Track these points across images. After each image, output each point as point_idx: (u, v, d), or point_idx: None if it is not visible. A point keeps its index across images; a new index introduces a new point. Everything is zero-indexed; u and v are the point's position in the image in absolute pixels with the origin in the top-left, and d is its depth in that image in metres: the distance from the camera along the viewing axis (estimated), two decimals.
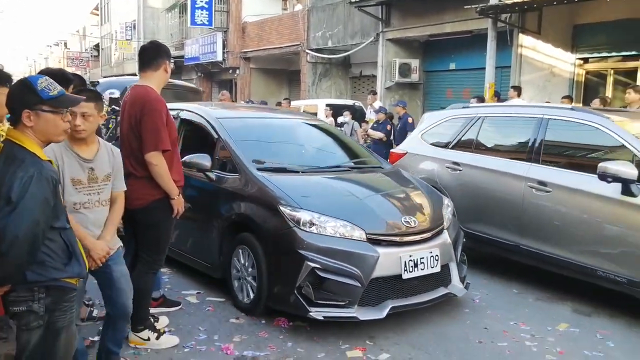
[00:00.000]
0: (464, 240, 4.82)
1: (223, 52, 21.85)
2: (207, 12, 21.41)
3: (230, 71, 21.88)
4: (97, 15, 45.37)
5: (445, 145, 6.00)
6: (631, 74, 9.70)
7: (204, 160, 4.59)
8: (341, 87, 17.95)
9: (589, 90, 10.34)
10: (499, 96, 10.54)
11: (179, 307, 4.49)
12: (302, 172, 4.66)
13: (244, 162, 4.54)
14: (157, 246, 3.79)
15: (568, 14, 9.98)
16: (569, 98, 9.56)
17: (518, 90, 9.87)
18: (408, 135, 7.70)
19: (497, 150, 5.68)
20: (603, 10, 9.10)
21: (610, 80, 10.03)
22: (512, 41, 11.02)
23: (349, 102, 14.02)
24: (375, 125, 10.96)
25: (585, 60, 10.37)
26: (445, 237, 4.38)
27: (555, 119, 5.13)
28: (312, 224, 3.96)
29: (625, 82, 9.72)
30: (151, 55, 3.75)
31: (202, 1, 21.26)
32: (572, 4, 9.17)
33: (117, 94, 7.18)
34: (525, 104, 6.96)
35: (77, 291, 2.60)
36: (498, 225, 5.26)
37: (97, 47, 45.52)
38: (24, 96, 2.38)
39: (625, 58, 9.81)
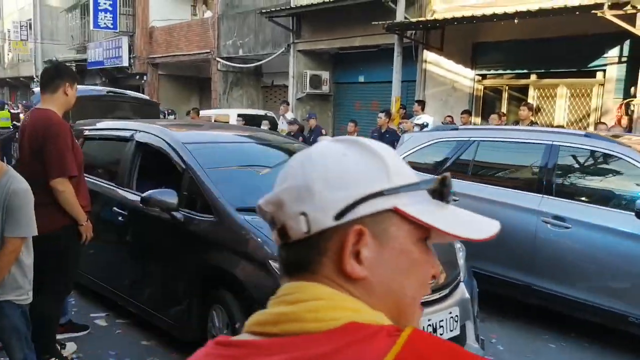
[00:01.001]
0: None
1: (129, 57, 21.12)
2: (112, 15, 20.60)
3: (137, 77, 21.20)
4: None
5: (434, 172, 5.23)
6: (523, 90, 10.46)
7: (169, 197, 3.79)
8: (253, 96, 17.93)
9: (487, 105, 11.03)
10: (405, 109, 10.99)
11: (87, 331, 4.38)
12: None
13: (220, 200, 3.68)
14: (65, 273, 3.67)
15: (468, 33, 10.60)
16: (467, 113, 10.17)
17: (422, 104, 10.35)
18: None
19: (499, 179, 5.24)
20: (498, 31, 9.74)
21: (505, 95, 10.75)
22: (417, 56, 11.54)
23: (261, 112, 14.05)
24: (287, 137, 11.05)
25: (484, 76, 11.04)
26: (463, 291, 3.74)
27: (567, 146, 4.69)
28: None
29: (518, 98, 10.47)
30: (49, 76, 3.63)
31: (105, 3, 20.45)
32: (471, 24, 9.72)
33: None
34: (528, 128, 6.52)
35: None
36: (506, 263, 4.77)
37: None
38: None
39: (518, 75, 10.56)
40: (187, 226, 3.78)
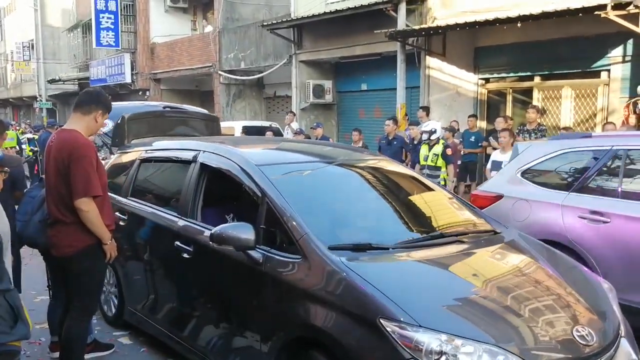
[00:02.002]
0: None
1: (132, 74, 21.29)
2: (114, 33, 20.84)
3: (140, 93, 21.34)
4: None
5: (568, 187, 4.66)
6: (527, 92, 10.49)
7: (244, 232, 3.10)
8: (256, 107, 18.02)
9: (491, 109, 11.05)
10: (407, 116, 11.03)
11: (112, 350, 4.39)
12: (394, 248, 3.10)
13: (311, 238, 2.95)
14: (90, 293, 3.72)
15: (469, 38, 10.66)
16: (474, 117, 10.21)
17: (427, 110, 10.42)
18: None
19: None
20: (500, 35, 9.78)
21: (509, 98, 10.78)
22: (419, 63, 11.59)
23: (266, 123, 14.11)
24: None
25: (487, 80, 11.07)
26: (627, 349, 2.86)
27: None
28: (441, 354, 2.39)
29: (522, 100, 10.51)
30: (87, 98, 3.70)
31: (107, 22, 20.65)
32: (472, 28, 9.78)
33: (110, 125, 5.74)
34: None
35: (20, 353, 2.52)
36: None
37: None
38: None
39: (522, 78, 10.58)
40: (267, 268, 3.06)
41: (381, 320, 2.49)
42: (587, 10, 7.93)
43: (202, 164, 3.91)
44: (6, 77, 38.34)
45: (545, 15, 8.29)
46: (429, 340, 2.41)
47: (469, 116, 10.20)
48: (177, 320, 3.94)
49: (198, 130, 6.06)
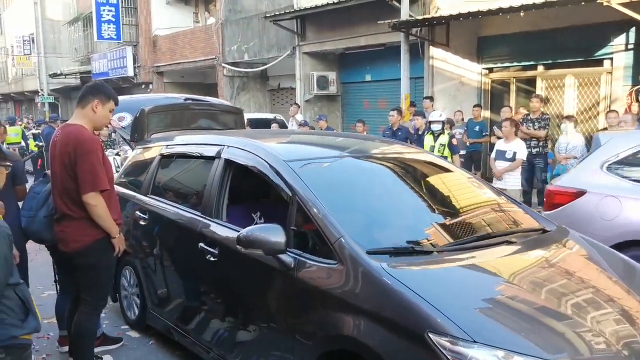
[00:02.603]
0: None
1: (134, 67, 21.27)
2: (115, 26, 20.76)
3: (143, 86, 21.34)
4: None
5: None
6: (531, 82, 10.50)
7: (274, 234, 2.87)
8: (260, 100, 18.02)
9: (495, 98, 11.08)
10: (415, 106, 11.04)
11: (121, 343, 4.44)
12: (439, 251, 2.85)
13: (347, 241, 2.71)
14: (99, 287, 3.74)
15: (473, 27, 10.65)
16: (478, 106, 10.21)
17: (432, 100, 10.41)
18: None
19: None
20: (503, 24, 9.78)
21: (513, 88, 10.79)
22: (423, 53, 11.59)
23: (270, 115, 14.12)
24: None
25: (490, 70, 11.08)
26: None
27: None
28: None
29: (526, 90, 10.51)
30: (83, 92, 3.69)
31: (108, 14, 20.60)
32: (475, 18, 9.76)
33: (128, 119, 5.39)
34: None
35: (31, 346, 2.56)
36: None
37: None
38: None
39: (525, 67, 10.59)
40: (299, 274, 2.83)
41: (429, 334, 2.24)
42: None
43: (226, 160, 3.69)
44: (7, 72, 38.31)
45: (548, 4, 8.29)
46: (484, 357, 2.15)
47: (474, 106, 10.22)
48: (200, 325, 3.75)
49: (221, 124, 5.76)
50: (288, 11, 13.87)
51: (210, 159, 3.87)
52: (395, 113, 9.47)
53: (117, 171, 6.19)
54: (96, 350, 4.01)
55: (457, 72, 11.27)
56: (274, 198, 3.66)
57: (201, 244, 3.54)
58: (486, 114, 10.80)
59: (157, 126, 5.20)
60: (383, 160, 3.80)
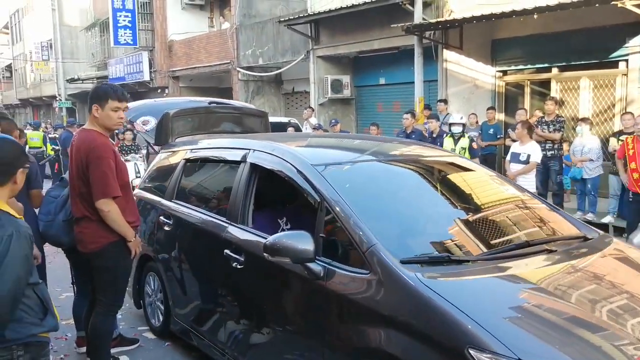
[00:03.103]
0: None
1: (150, 72, 21.49)
2: (131, 31, 21.00)
3: (159, 91, 21.54)
4: (7, 34, 43.36)
5: None
6: (545, 84, 10.46)
7: (302, 242, 2.76)
8: (274, 104, 18.11)
9: (509, 101, 11.04)
10: (430, 109, 11.04)
11: (137, 344, 4.49)
12: (475, 260, 2.71)
13: (380, 249, 2.58)
14: (115, 288, 3.79)
15: (486, 30, 10.63)
16: (493, 109, 10.19)
17: (447, 103, 10.40)
18: None
19: None
20: (517, 26, 9.76)
21: (527, 90, 10.76)
22: (437, 56, 11.60)
23: (285, 119, 14.18)
24: None
25: (504, 72, 11.06)
26: None
27: None
28: None
29: (540, 92, 10.47)
30: (89, 98, 3.73)
31: (124, 20, 20.85)
32: (489, 21, 9.74)
33: (152, 123, 5.29)
34: None
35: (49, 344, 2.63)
36: None
37: (9, 67, 43.48)
38: (20, 157, 2.49)
39: (539, 70, 10.55)
40: (329, 284, 2.71)
41: (470, 350, 2.11)
42: (604, 0, 7.87)
43: (252, 164, 3.59)
44: (26, 77, 38.89)
45: (562, 6, 8.26)
46: None
47: (488, 108, 10.21)
48: (224, 334, 3.64)
49: (246, 127, 5.64)
50: (302, 15, 13.97)
51: (236, 163, 3.79)
52: (409, 116, 9.49)
53: (137, 177, 6.12)
54: (113, 351, 4.06)
55: (470, 75, 11.26)
56: (301, 203, 3.60)
57: (226, 251, 3.46)
58: (500, 116, 10.77)
59: (182, 130, 5.14)
60: (413, 163, 3.66)
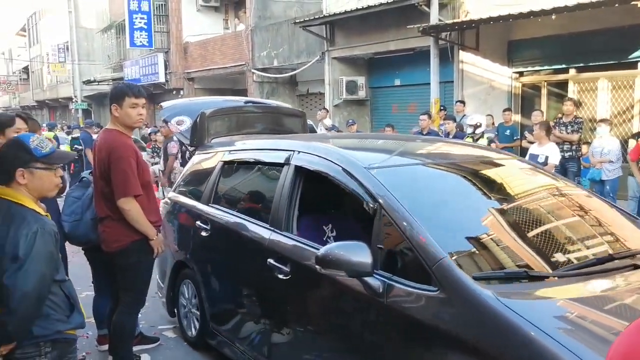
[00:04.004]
0: None
1: (165, 73, 21.64)
2: (147, 33, 21.17)
3: (174, 92, 21.68)
4: (25, 36, 43.91)
5: None
6: (562, 85, 10.38)
7: (359, 254, 2.49)
8: (289, 105, 18.12)
9: (525, 102, 10.98)
10: (445, 111, 11.01)
11: (158, 343, 4.53)
12: (556, 277, 2.45)
13: (449, 264, 2.32)
14: (137, 287, 3.83)
15: (503, 31, 10.58)
16: (509, 110, 10.14)
17: (463, 104, 10.37)
18: None
19: None
20: (534, 27, 9.70)
21: (544, 92, 10.68)
22: (453, 57, 11.57)
23: None
24: None
25: (521, 73, 10.99)
26: None
27: None
28: None
29: (557, 94, 10.39)
30: (109, 100, 3.78)
31: (140, 22, 21.02)
32: (506, 22, 9.69)
33: (187, 123, 5.09)
34: None
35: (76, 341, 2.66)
36: None
37: (25, 69, 44.00)
38: (18, 155, 2.44)
39: (556, 71, 10.48)
40: (390, 301, 2.44)
41: None
42: (623, 1, 7.80)
43: (296, 167, 3.35)
44: (42, 79, 39.34)
45: (580, 7, 8.20)
46: None
47: (504, 110, 10.16)
48: (267, 349, 3.41)
49: (284, 127, 5.36)
50: (317, 17, 13.99)
51: (278, 165, 3.56)
52: (426, 117, 9.49)
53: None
54: (134, 349, 4.09)
55: (487, 76, 11.20)
56: (348, 209, 3.43)
57: (270, 260, 3.21)
58: (517, 118, 10.71)
59: (218, 130, 4.93)
60: (477, 167, 3.35)
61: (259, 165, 4.09)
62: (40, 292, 2.31)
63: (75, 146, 13.93)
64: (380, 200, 2.69)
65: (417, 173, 3.20)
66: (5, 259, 2.28)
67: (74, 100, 31.51)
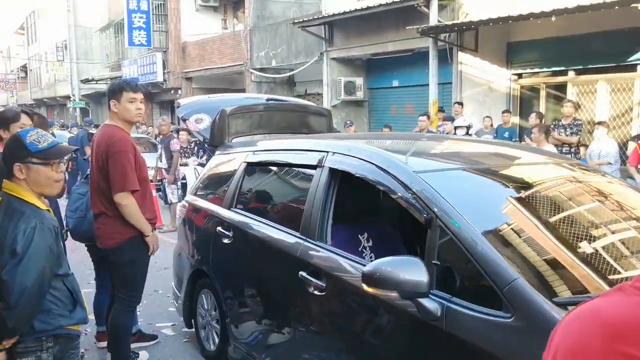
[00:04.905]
0: None
1: (164, 73, 21.61)
2: (146, 33, 21.14)
3: (172, 92, 21.66)
4: (23, 35, 43.85)
5: None
6: (561, 87, 10.38)
7: (414, 272, 2.18)
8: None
9: (524, 104, 10.98)
10: (443, 112, 11.02)
11: (156, 340, 4.52)
12: None
13: (523, 286, 2.00)
14: (133, 284, 3.82)
15: (502, 33, 10.59)
16: (508, 112, 10.15)
17: (461, 105, 10.38)
18: None
19: None
20: (533, 29, 9.71)
21: (542, 94, 10.69)
22: (451, 59, 11.56)
23: None
24: None
25: (520, 75, 10.99)
26: None
27: None
28: None
29: (556, 96, 10.40)
30: (107, 96, 3.79)
31: (139, 21, 21.00)
32: (505, 23, 9.71)
33: (207, 122, 4.79)
34: None
35: (79, 337, 2.65)
36: None
37: (24, 68, 43.94)
38: (15, 150, 2.44)
39: (555, 73, 10.49)
40: (451, 327, 2.14)
41: None
42: (623, 3, 7.82)
43: (331, 170, 3.03)
44: (40, 78, 39.28)
45: (580, 9, 8.20)
46: None
47: (503, 112, 10.17)
48: None
49: (309, 127, 5.05)
50: (316, 17, 13.98)
51: (310, 168, 3.26)
52: (425, 118, 9.50)
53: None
54: (132, 346, 4.09)
55: (485, 78, 11.20)
56: (386, 217, 3.12)
57: (302, 273, 2.90)
58: (515, 120, 10.73)
59: (239, 129, 4.63)
60: (539, 170, 3.00)
61: (287, 168, 3.79)
62: (40, 287, 2.30)
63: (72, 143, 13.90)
64: (436, 210, 2.35)
65: (469, 180, 2.81)
66: (4, 254, 2.28)
67: (71, 99, 31.46)
